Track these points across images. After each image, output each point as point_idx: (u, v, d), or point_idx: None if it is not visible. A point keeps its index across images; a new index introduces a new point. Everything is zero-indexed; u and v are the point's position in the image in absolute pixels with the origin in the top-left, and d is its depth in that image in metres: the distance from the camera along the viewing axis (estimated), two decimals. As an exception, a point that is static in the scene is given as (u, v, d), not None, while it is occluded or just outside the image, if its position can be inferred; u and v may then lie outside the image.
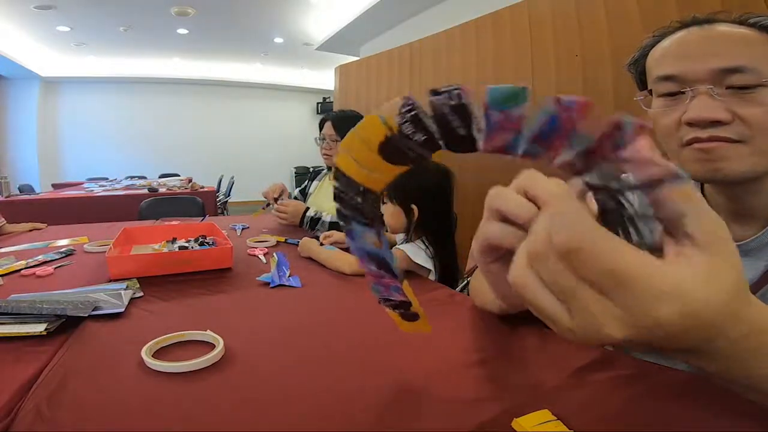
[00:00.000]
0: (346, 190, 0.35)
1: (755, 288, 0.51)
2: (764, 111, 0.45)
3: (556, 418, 0.42)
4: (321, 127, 1.61)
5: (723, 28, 0.49)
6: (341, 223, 0.38)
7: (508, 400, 0.47)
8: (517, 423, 0.41)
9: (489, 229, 0.28)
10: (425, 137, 0.27)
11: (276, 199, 1.59)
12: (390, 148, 0.29)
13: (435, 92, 0.24)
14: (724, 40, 0.48)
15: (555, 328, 0.24)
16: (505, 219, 0.27)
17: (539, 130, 0.21)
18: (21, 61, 5.66)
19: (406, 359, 0.58)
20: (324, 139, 1.58)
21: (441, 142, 0.26)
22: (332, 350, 0.62)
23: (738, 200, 0.53)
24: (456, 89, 0.23)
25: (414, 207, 1.06)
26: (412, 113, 0.26)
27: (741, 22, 0.49)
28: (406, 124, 0.27)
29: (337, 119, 1.58)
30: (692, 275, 0.20)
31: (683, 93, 0.50)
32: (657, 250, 0.21)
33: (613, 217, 0.22)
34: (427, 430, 0.43)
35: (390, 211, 1.08)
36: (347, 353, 0.61)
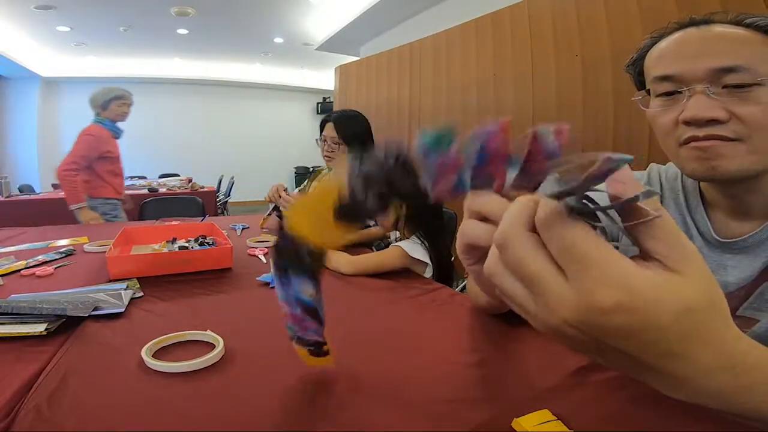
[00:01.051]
0: (293, 248, 0.36)
1: (753, 284, 0.51)
2: (760, 109, 0.46)
3: (556, 418, 0.42)
4: (322, 128, 1.59)
5: (719, 28, 0.49)
6: (272, 269, 0.39)
7: (508, 400, 0.47)
8: (517, 423, 0.41)
9: (467, 228, 0.28)
10: (377, 199, 0.27)
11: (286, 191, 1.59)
12: (345, 211, 0.30)
13: (377, 153, 0.25)
14: (720, 40, 0.48)
15: (525, 316, 0.24)
16: (483, 218, 0.27)
17: (475, 163, 0.22)
18: (21, 61, 5.65)
19: (406, 359, 0.58)
20: (325, 141, 1.57)
21: (394, 200, 0.27)
22: (331, 350, 0.62)
23: (735, 198, 0.53)
24: (396, 147, 0.24)
25: (403, 207, 1.08)
26: (362, 177, 0.27)
27: (737, 23, 0.49)
28: (358, 188, 0.28)
29: (338, 120, 1.56)
30: (646, 276, 0.20)
31: (680, 92, 0.50)
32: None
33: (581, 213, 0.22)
34: (428, 430, 0.43)
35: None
36: (346, 353, 0.61)
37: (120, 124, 2.56)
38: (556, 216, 0.21)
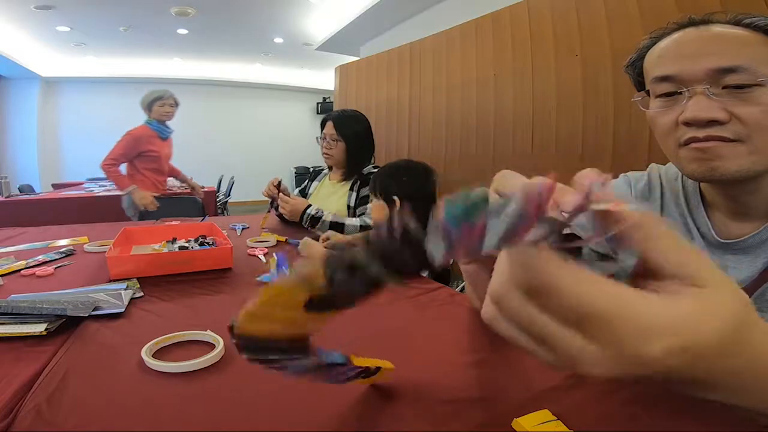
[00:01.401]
0: (267, 351, 0.33)
1: (754, 285, 0.52)
2: (760, 110, 0.46)
3: (556, 418, 0.42)
4: (322, 127, 1.61)
5: (719, 28, 0.49)
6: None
7: (508, 400, 0.47)
8: (517, 423, 0.41)
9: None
10: (365, 281, 0.24)
11: (278, 188, 1.57)
12: (318, 303, 0.27)
13: (377, 232, 0.22)
14: (719, 40, 0.48)
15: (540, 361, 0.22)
16: None
17: (507, 230, 0.19)
18: (21, 61, 5.65)
19: (406, 359, 0.58)
20: (324, 138, 1.59)
21: (387, 280, 0.23)
22: (331, 348, 0.62)
23: (735, 199, 0.53)
24: (396, 221, 0.21)
25: (396, 198, 1.11)
26: (346, 259, 0.23)
27: (737, 23, 0.49)
28: (339, 274, 0.24)
29: (338, 118, 1.58)
30: (679, 306, 0.19)
31: (680, 93, 0.50)
32: (634, 278, 0.20)
33: (581, 252, 0.21)
34: (428, 430, 0.43)
35: (375, 206, 1.15)
36: (346, 353, 0.61)
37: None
38: (551, 275, 0.19)
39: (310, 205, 1.47)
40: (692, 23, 0.51)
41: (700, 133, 0.48)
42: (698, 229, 0.58)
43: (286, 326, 0.30)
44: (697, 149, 0.49)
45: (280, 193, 1.52)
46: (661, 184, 0.63)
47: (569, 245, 0.20)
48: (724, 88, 0.47)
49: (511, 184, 0.24)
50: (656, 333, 0.18)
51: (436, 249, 0.20)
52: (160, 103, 2.63)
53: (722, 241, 0.55)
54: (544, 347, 0.21)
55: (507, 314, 0.21)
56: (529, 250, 0.19)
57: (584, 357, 0.19)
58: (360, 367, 0.42)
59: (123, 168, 2.60)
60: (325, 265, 0.24)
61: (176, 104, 2.73)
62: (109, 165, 2.50)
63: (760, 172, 0.48)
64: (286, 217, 1.52)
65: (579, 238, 0.20)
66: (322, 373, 0.38)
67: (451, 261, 0.22)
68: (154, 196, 2.53)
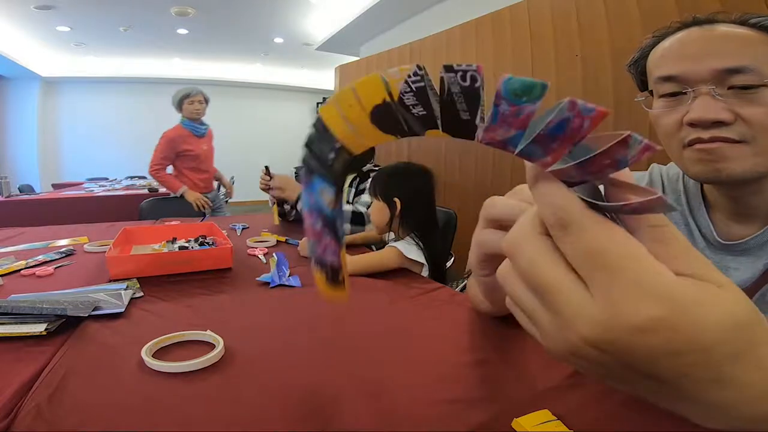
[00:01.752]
0: (321, 144, 0.33)
1: (755, 286, 0.51)
2: (766, 111, 0.45)
3: (556, 418, 0.42)
4: None
5: (723, 28, 0.49)
6: (302, 171, 0.35)
7: (508, 400, 0.47)
8: (517, 423, 0.41)
9: (483, 237, 0.27)
10: (425, 113, 0.24)
11: (269, 174, 1.59)
12: (384, 115, 0.27)
13: (449, 68, 0.22)
14: (725, 40, 0.48)
15: (536, 334, 0.21)
16: (499, 226, 0.26)
17: (546, 131, 0.19)
18: (21, 61, 5.65)
19: (406, 359, 0.58)
20: None
21: (439, 122, 0.24)
22: (332, 350, 0.62)
23: (738, 200, 0.53)
24: (471, 70, 0.21)
25: (396, 200, 1.11)
26: (419, 84, 0.24)
27: (741, 23, 0.49)
28: (409, 94, 0.24)
29: None
30: (686, 286, 0.17)
31: (685, 93, 0.50)
32: None
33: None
34: (428, 430, 0.43)
35: (375, 207, 1.15)
36: (347, 353, 0.61)
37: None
38: (575, 212, 0.18)
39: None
40: (696, 22, 0.51)
41: (705, 134, 0.48)
42: (700, 229, 0.57)
43: (353, 126, 0.30)
44: (702, 150, 0.49)
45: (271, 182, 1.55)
46: (663, 184, 0.63)
47: (594, 201, 0.19)
48: (729, 88, 0.47)
49: (503, 203, 0.24)
50: (652, 297, 0.17)
51: (483, 117, 0.21)
52: (188, 101, 2.61)
53: (723, 242, 0.55)
54: (545, 306, 0.20)
55: (520, 265, 0.20)
56: (562, 187, 0.19)
57: (583, 310, 0.18)
58: (338, 263, 0.42)
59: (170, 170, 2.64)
60: (404, 81, 0.24)
61: (206, 101, 2.70)
62: (155, 170, 2.54)
63: (763, 173, 0.48)
64: (280, 196, 1.53)
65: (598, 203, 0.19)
66: (322, 224, 0.38)
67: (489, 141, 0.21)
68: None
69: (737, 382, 0.18)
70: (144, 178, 5.22)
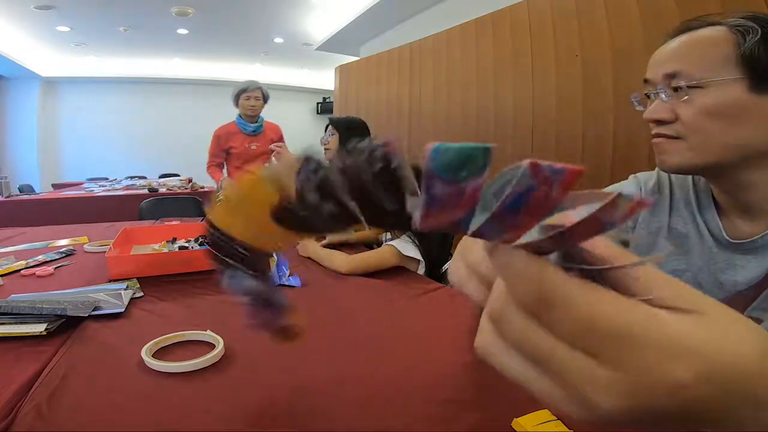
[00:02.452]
0: (230, 252, 0.32)
1: (761, 285, 0.52)
2: (694, 112, 0.50)
3: (556, 418, 0.42)
4: (325, 131, 1.70)
5: (685, 37, 0.53)
6: (218, 270, 0.34)
7: (508, 400, 0.47)
8: (517, 423, 0.41)
9: (469, 288, 0.22)
10: (337, 210, 0.20)
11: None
12: (287, 216, 0.23)
13: (350, 151, 0.18)
14: (678, 46, 0.53)
15: (538, 399, 0.19)
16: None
17: (503, 207, 0.14)
18: (21, 61, 5.65)
19: (406, 359, 0.58)
20: (324, 136, 1.66)
21: (360, 217, 0.19)
22: (332, 350, 0.62)
23: (732, 195, 0.55)
24: (379, 147, 0.17)
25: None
26: (318, 176, 0.20)
27: (711, 24, 0.52)
28: (309, 191, 0.20)
29: (335, 117, 1.70)
30: (709, 330, 0.16)
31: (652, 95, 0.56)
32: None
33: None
34: (428, 430, 0.43)
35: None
36: (347, 353, 0.61)
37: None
38: (556, 285, 0.16)
39: None
40: (680, 31, 0.55)
41: (653, 131, 0.55)
42: (708, 228, 0.58)
43: (256, 231, 0.28)
44: (654, 144, 0.55)
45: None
46: (671, 183, 0.64)
47: (571, 266, 0.16)
48: (674, 91, 0.52)
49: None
50: (685, 353, 0.15)
51: (413, 204, 0.16)
52: (245, 96, 2.42)
53: (732, 241, 0.56)
54: (548, 377, 0.18)
55: (509, 336, 0.18)
56: (530, 257, 0.16)
57: (596, 383, 0.16)
58: (284, 324, 0.41)
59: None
60: (297, 175, 0.20)
61: (264, 98, 2.49)
62: (208, 167, 2.45)
63: (699, 165, 0.52)
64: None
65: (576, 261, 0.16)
66: (257, 308, 0.38)
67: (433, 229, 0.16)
68: None
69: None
70: (144, 178, 5.22)
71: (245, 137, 2.47)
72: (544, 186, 0.14)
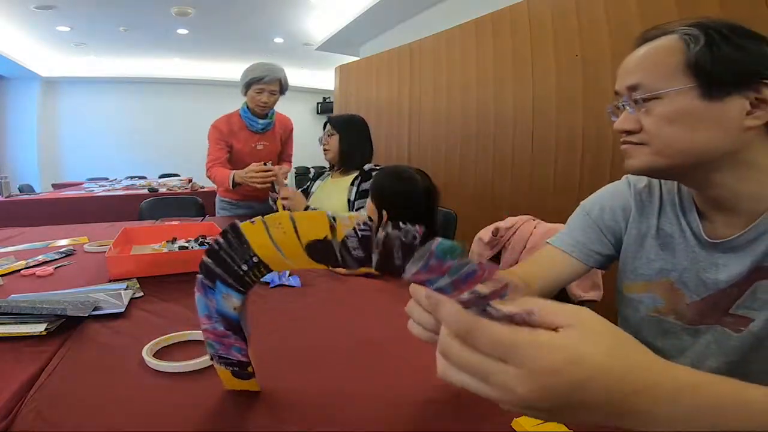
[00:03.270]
0: (233, 252, 0.35)
1: (745, 283, 0.55)
2: (654, 121, 0.53)
3: (556, 418, 0.42)
4: (324, 129, 1.68)
5: (644, 48, 0.55)
6: (199, 276, 0.38)
7: (508, 400, 0.47)
8: (517, 423, 0.41)
9: (423, 335, 0.40)
10: (362, 255, 0.31)
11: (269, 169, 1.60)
12: (322, 249, 0.32)
13: (396, 227, 0.29)
14: (638, 58, 0.55)
15: (484, 398, 0.28)
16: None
17: (460, 277, 0.28)
18: (21, 61, 5.66)
19: (405, 359, 0.58)
20: (324, 135, 1.65)
21: (374, 264, 0.31)
22: (332, 350, 0.62)
23: (703, 195, 0.58)
24: (414, 231, 0.29)
25: (384, 213, 1.11)
26: (366, 233, 0.30)
27: (664, 33, 0.54)
28: (353, 239, 0.31)
29: (334, 116, 1.70)
30: (567, 336, 0.26)
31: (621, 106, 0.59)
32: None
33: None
34: (428, 430, 0.43)
35: (369, 210, 1.16)
36: (347, 353, 0.61)
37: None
38: (472, 320, 0.27)
39: (308, 207, 1.51)
40: (640, 41, 0.57)
41: (621, 139, 0.58)
42: (691, 229, 0.61)
43: (280, 247, 0.34)
44: (622, 150, 0.59)
45: (280, 192, 1.56)
46: (660, 186, 0.66)
47: (484, 313, 0.27)
48: (635, 103, 0.55)
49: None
50: (552, 350, 0.25)
51: (413, 264, 0.29)
52: (256, 88, 1.87)
53: (711, 241, 0.58)
54: (483, 381, 0.27)
55: (453, 360, 0.28)
56: (457, 306, 0.28)
57: (509, 377, 0.26)
58: (246, 359, 0.45)
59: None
60: (355, 225, 0.30)
61: (280, 92, 1.96)
62: (208, 170, 1.90)
63: (663, 167, 0.55)
64: (286, 205, 1.54)
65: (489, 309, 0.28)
66: (225, 327, 0.42)
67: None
68: (238, 200, 2.03)
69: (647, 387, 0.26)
70: (144, 178, 5.22)
71: (251, 135, 1.95)
72: (482, 271, 0.27)
